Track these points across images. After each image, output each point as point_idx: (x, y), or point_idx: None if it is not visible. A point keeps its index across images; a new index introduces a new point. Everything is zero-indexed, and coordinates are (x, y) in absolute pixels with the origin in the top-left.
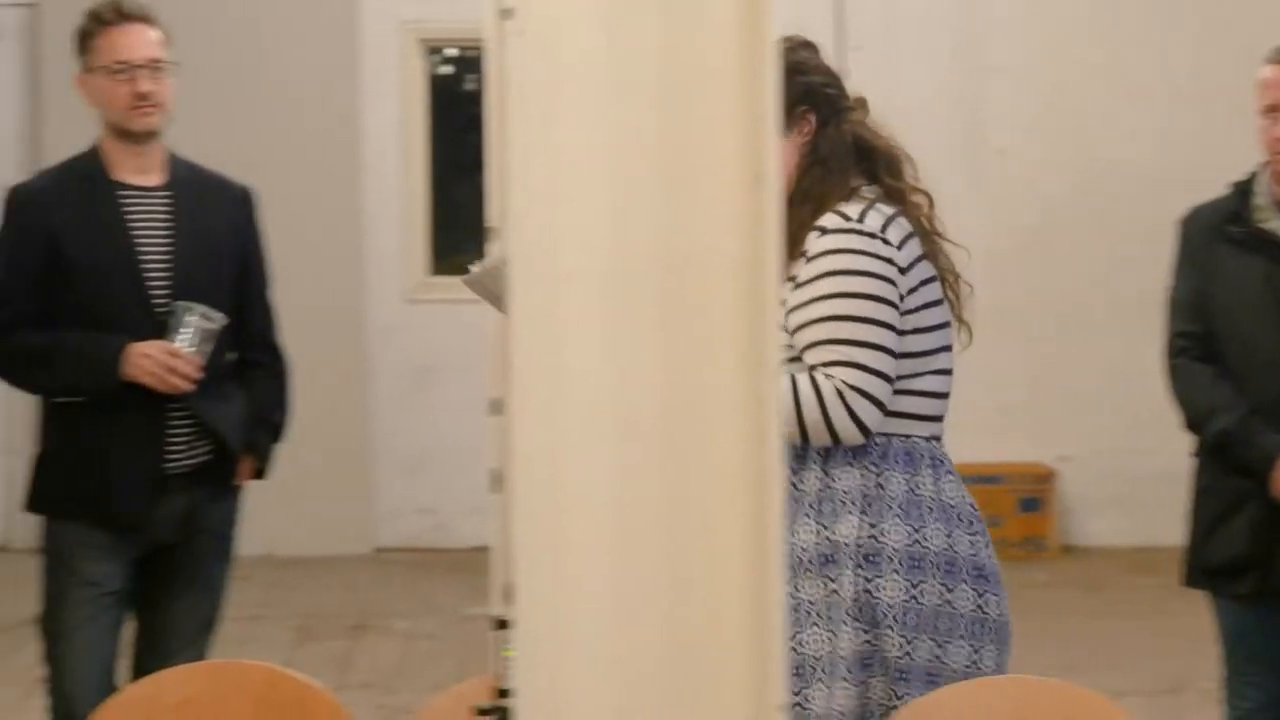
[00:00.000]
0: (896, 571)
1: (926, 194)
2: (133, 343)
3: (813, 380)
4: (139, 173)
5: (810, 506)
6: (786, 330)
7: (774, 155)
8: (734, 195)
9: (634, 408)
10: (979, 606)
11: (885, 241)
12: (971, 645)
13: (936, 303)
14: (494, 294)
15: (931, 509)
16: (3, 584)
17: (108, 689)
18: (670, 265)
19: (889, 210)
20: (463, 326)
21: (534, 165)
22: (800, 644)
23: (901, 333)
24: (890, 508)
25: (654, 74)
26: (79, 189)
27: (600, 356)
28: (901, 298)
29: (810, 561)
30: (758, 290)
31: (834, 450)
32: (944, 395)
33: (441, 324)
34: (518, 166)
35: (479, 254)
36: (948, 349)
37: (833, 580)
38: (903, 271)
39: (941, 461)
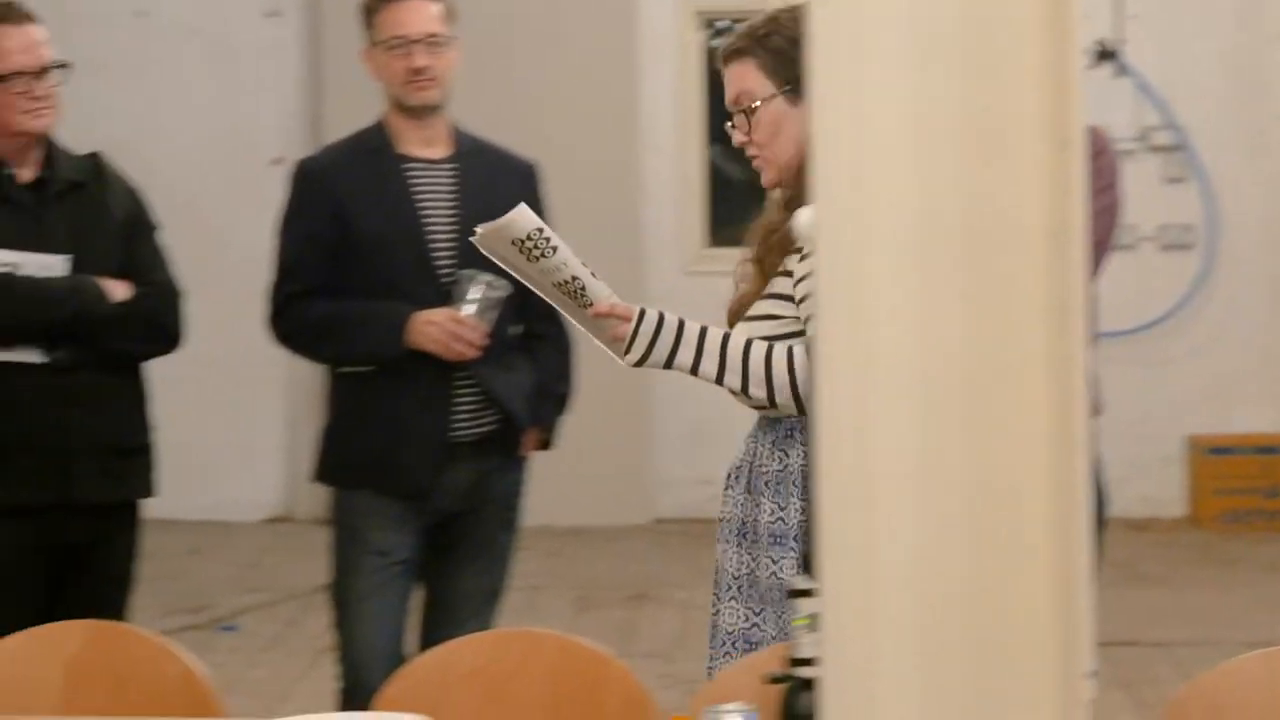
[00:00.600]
0: None
1: None
2: (418, 311)
3: (791, 348)
4: (424, 145)
5: (794, 485)
6: (794, 301)
7: (1079, 118)
8: (1040, 159)
9: (939, 375)
10: None
11: None
12: None
13: None
14: (499, 254)
15: None
16: (287, 554)
17: (396, 658)
18: (976, 232)
19: None
20: None
21: (840, 134)
22: (764, 619)
23: None
24: None
25: (957, 39)
26: (365, 162)
27: (905, 323)
28: None
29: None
30: (1064, 255)
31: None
32: None
33: (719, 295)
34: (825, 136)
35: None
36: None
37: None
38: None
39: None
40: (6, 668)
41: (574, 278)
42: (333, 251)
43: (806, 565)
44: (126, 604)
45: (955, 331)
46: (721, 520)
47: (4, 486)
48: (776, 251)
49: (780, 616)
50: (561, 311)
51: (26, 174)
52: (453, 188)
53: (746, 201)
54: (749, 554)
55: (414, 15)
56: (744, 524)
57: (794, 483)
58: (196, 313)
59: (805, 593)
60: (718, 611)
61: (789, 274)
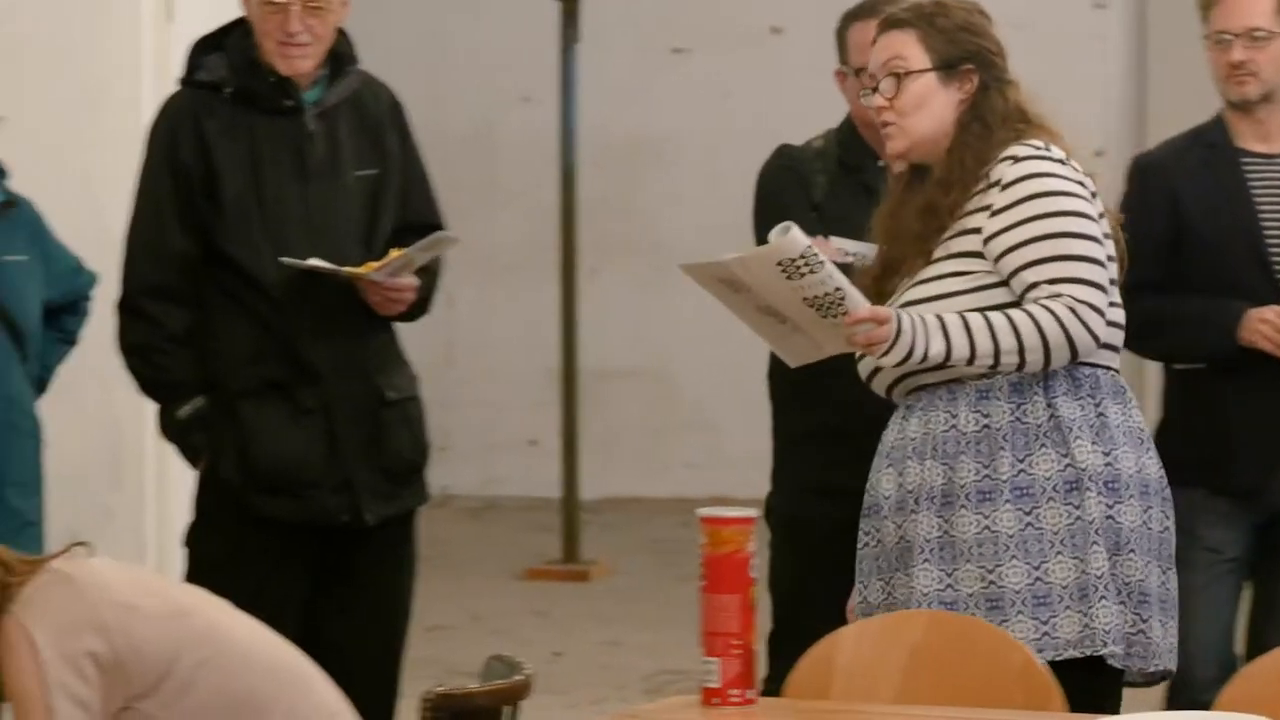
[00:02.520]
0: (1133, 498)
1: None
2: (1250, 308)
3: (1044, 306)
4: (1259, 140)
5: (1045, 436)
6: (987, 257)
7: None
8: None
9: None
10: (1166, 528)
11: (1074, 168)
12: (1171, 569)
13: (1109, 236)
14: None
15: (1140, 439)
16: None
17: (1226, 656)
18: None
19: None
20: None
21: None
22: (1046, 574)
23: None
24: (1116, 436)
25: None
26: (1201, 157)
27: None
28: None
29: (1054, 489)
30: None
31: (1052, 382)
32: (1123, 328)
33: None
34: None
35: None
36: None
37: (1077, 507)
38: (1092, 196)
39: (1127, 390)
40: (852, 654)
41: (837, 289)
42: (1167, 246)
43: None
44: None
45: None
46: (904, 494)
47: None
48: (937, 221)
49: (983, 570)
50: (764, 331)
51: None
52: None
53: None
54: (940, 516)
55: (1237, 9)
56: (933, 489)
57: (1003, 438)
58: None
59: None
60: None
61: (975, 231)
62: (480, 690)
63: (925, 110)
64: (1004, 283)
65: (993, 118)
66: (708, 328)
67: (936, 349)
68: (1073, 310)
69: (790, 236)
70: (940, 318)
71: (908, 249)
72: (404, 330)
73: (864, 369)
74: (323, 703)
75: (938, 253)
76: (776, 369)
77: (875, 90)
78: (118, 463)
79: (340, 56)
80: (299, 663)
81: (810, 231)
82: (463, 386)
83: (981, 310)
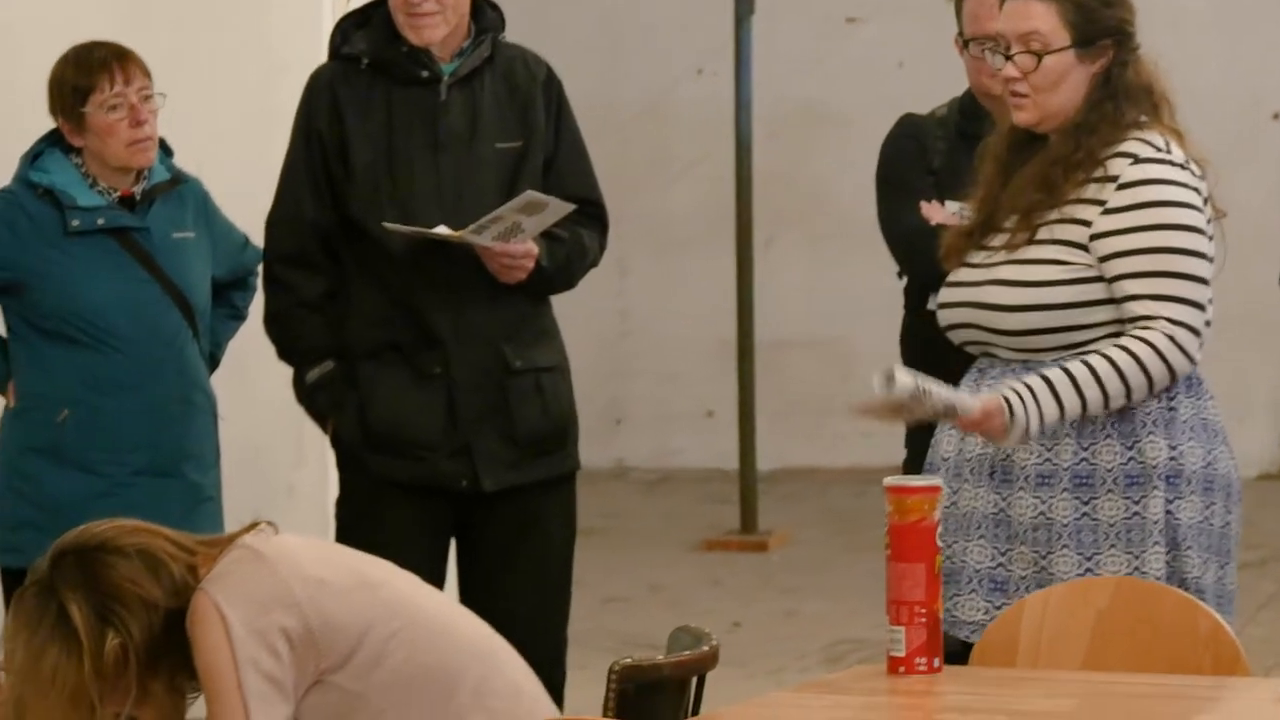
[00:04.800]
0: (1194, 493)
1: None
2: None
3: (1142, 340)
4: None
5: (1112, 426)
6: (1092, 253)
7: None
8: None
9: None
10: (1227, 523)
11: (1193, 173)
12: (1230, 564)
13: (1212, 238)
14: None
15: (1214, 431)
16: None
17: None
18: None
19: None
20: None
21: None
22: (1098, 565)
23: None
24: (1184, 430)
25: None
26: None
27: None
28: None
29: (1114, 482)
30: None
31: None
32: (1209, 324)
33: None
34: None
35: None
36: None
37: (1136, 502)
38: (1205, 203)
39: (1201, 381)
40: (1037, 622)
41: (948, 407)
42: None
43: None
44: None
45: None
46: (961, 461)
47: None
48: (1050, 200)
49: (1036, 555)
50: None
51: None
52: None
53: None
54: (997, 494)
55: None
56: (994, 464)
57: (1069, 425)
58: None
59: None
60: (965, 550)
61: (1083, 223)
62: (667, 661)
63: (1060, 87)
64: (1102, 278)
65: (1124, 95)
66: (883, 297)
67: (1051, 416)
68: (1171, 338)
69: (897, 385)
70: (1048, 381)
71: (1013, 216)
72: (577, 303)
73: (942, 319)
74: (511, 674)
75: (1042, 233)
76: (907, 333)
77: (1008, 56)
78: (300, 440)
79: (483, 27)
80: (486, 635)
81: (927, 197)
82: (638, 358)
83: (1082, 357)
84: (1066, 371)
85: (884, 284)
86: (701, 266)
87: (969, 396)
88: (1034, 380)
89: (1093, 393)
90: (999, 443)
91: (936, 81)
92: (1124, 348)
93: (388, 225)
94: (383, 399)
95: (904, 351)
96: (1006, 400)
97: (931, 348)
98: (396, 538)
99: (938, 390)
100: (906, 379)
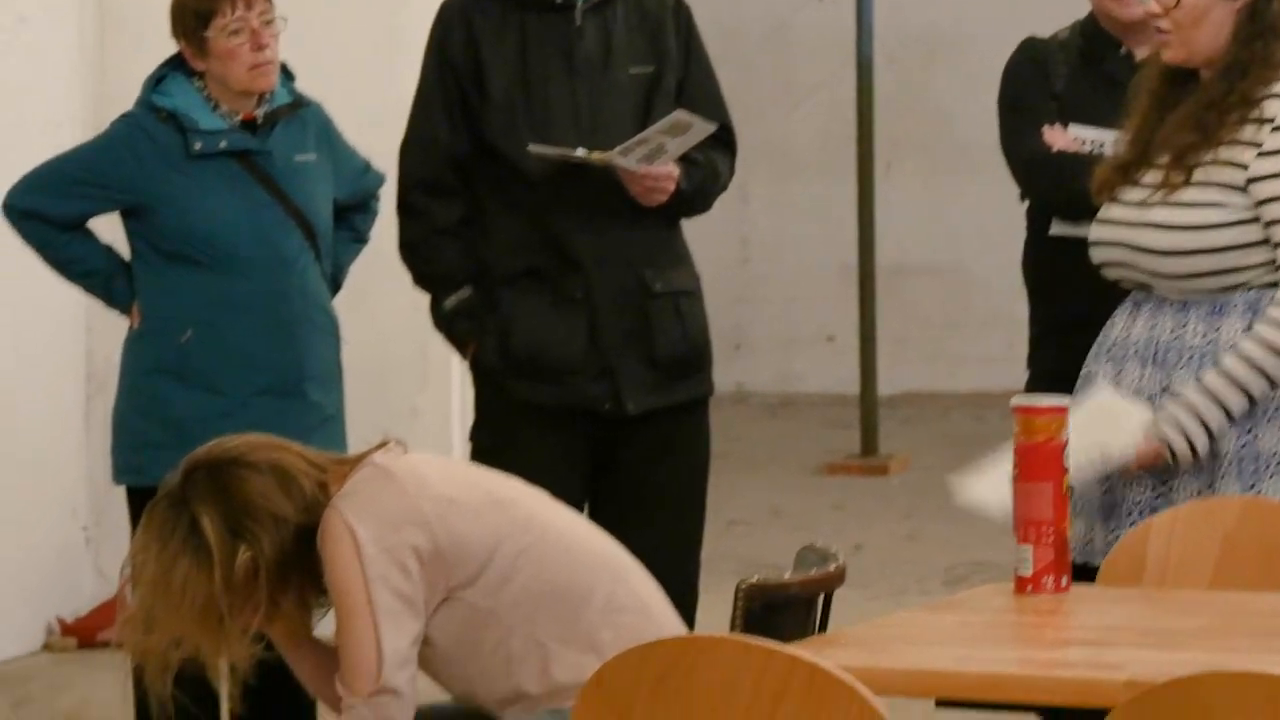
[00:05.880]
0: None
1: None
2: None
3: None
4: None
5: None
6: (1250, 196)
7: None
8: None
9: None
10: None
11: None
12: None
13: None
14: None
15: None
16: None
17: None
18: None
19: None
20: None
21: None
22: (1261, 494)
23: None
24: None
25: None
26: None
27: None
28: None
29: (1276, 409)
30: None
31: None
32: None
33: None
34: None
35: None
36: None
37: None
38: None
39: None
40: (1164, 542)
41: (1103, 457)
42: None
43: None
44: None
45: None
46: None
47: None
48: (1206, 143)
49: (1200, 486)
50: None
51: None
52: None
53: None
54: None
55: None
56: (1153, 398)
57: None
58: None
59: None
60: (1256, 436)
61: (1239, 166)
62: (794, 580)
63: (1204, 24)
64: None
65: (1272, 32)
66: (1003, 222)
67: (1201, 442)
68: None
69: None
70: (1193, 406)
71: (1168, 155)
72: (699, 228)
73: (1096, 256)
74: (638, 592)
75: (1198, 175)
76: (1030, 258)
77: None
78: (424, 362)
79: None
80: (615, 552)
81: (1049, 121)
82: (758, 284)
83: (1219, 366)
84: (1209, 391)
85: (1005, 209)
86: (822, 192)
87: (1121, 444)
88: (1179, 413)
89: (1237, 401)
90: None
91: (1059, 5)
92: (1260, 340)
93: (533, 148)
94: (524, 324)
95: (1026, 275)
96: (1167, 442)
97: (1054, 271)
98: (534, 463)
99: (1078, 440)
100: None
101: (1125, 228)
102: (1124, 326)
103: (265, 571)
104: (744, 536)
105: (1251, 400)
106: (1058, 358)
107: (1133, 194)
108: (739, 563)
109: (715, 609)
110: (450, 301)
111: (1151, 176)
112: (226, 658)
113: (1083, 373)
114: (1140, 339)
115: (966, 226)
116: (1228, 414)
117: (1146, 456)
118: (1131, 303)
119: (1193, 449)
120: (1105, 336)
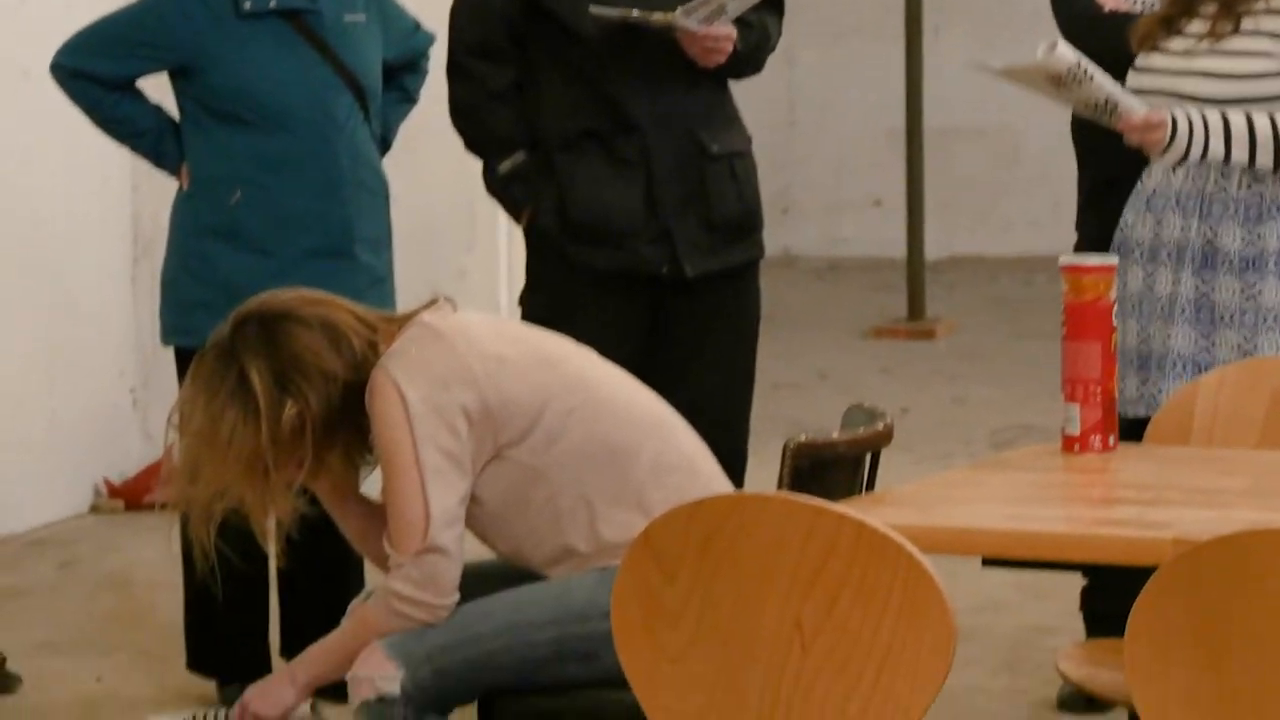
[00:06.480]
0: None
1: None
2: None
3: None
4: None
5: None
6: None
7: None
8: None
9: None
10: None
11: None
12: None
13: None
14: (1022, 84)
15: None
16: None
17: None
18: None
19: None
20: None
21: None
22: None
23: None
24: None
25: None
26: None
27: None
28: None
29: None
30: None
31: None
32: None
33: None
34: None
35: None
36: None
37: None
38: None
39: None
40: (1212, 401)
41: (1108, 100)
42: None
43: None
44: None
45: None
46: (1158, 244)
47: None
48: None
49: (1242, 338)
50: None
51: None
52: None
53: None
54: (1198, 277)
55: None
56: (1194, 250)
57: (1276, 207)
58: None
59: None
60: (1169, 335)
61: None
62: (842, 439)
63: None
64: None
65: None
66: None
67: (1216, 155)
68: None
69: (1057, 54)
70: (1225, 119)
71: (1215, 4)
72: (744, 91)
73: None
74: (686, 451)
75: (1247, 24)
76: (1078, 120)
77: None
78: (472, 224)
79: None
80: (663, 411)
81: None
82: (805, 147)
83: (1271, 113)
84: (1249, 120)
85: None
86: (869, 55)
87: (1136, 100)
88: (1212, 117)
89: (1265, 155)
90: (1151, 156)
91: None
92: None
93: (594, 9)
94: (581, 188)
95: (1075, 138)
96: (1174, 120)
97: (1103, 134)
98: (591, 327)
99: (1101, 78)
100: (1069, 53)
101: (1169, 76)
102: (1163, 175)
103: (312, 427)
104: (790, 400)
105: (1252, 158)
106: (1105, 223)
107: (1176, 43)
108: (786, 425)
109: (760, 471)
110: (504, 166)
111: (1197, 26)
112: (271, 511)
113: (1119, 223)
114: (1181, 189)
115: (1014, 89)
116: (1228, 144)
117: (1153, 118)
118: None
119: (1190, 141)
120: (1143, 185)
